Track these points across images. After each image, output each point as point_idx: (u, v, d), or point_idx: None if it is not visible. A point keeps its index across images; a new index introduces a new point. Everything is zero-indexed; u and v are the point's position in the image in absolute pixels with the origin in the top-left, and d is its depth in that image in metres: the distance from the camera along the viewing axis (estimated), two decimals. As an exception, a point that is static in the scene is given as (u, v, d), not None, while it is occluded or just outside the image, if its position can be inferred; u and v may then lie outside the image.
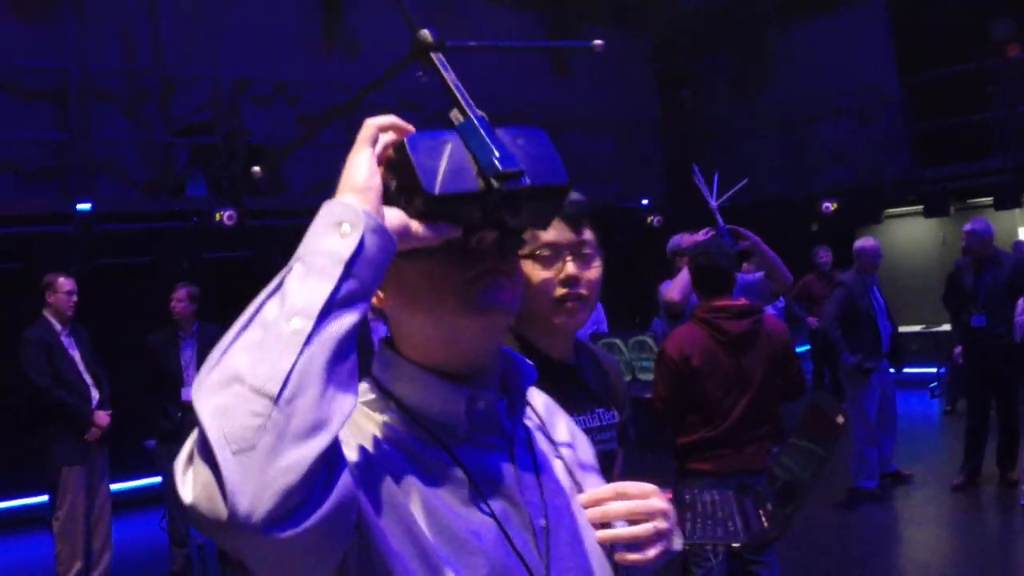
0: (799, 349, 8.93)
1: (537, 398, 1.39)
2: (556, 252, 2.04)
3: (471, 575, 1.09)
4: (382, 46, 9.31)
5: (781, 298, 8.40)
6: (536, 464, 1.24)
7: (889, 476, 7.74)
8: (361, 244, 0.98)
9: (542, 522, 1.19)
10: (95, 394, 6.45)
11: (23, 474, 7.29)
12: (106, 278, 8.44)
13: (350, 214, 1.00)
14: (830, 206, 12.09)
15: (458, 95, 1.10)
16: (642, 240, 11.45)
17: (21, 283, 6.55)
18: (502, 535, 1.14)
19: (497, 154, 1.04)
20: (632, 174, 13.41)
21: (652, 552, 1.25)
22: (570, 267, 2.04)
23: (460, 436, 1.17)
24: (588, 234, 2.08)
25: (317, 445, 0.90)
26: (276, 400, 0.89)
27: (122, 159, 9.31)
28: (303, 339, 0.92)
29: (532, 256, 2.03)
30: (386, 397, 1.20)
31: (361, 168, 1.05)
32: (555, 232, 2.03)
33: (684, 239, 6.28)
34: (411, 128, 1.11)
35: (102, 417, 6.28)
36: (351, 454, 1.07)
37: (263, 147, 9.79)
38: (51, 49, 9.04)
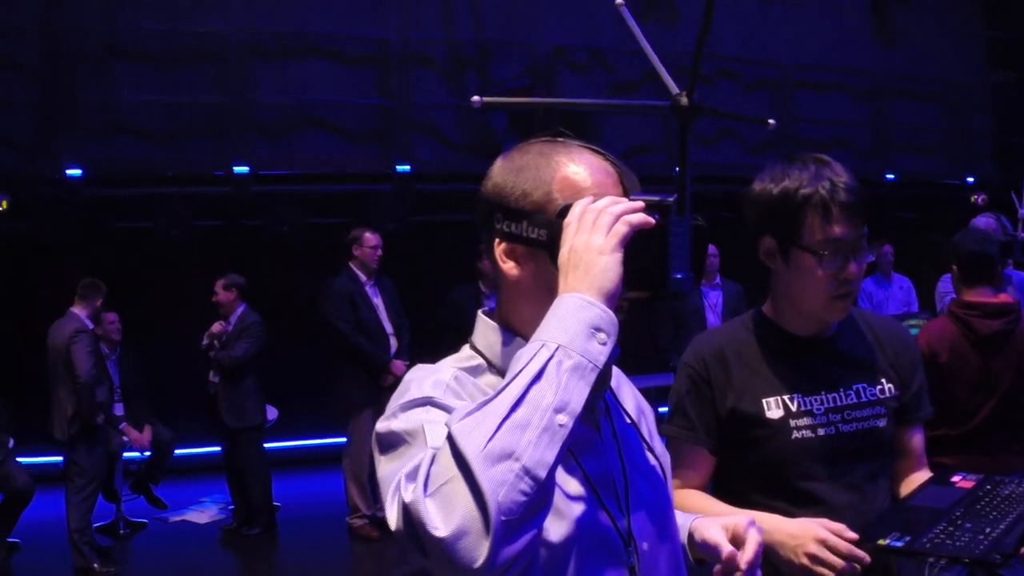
0: None
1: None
2: (838, 249, 1.99)
3: (568, 526, 1.31)
4: (699, 13, 8.92)
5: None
6: (615, 431, 1.46)
7: None
8: (610, 351, 1.20)
9: (622, 481, 1.42)
10: (394, 343, 6.79)
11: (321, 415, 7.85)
12: (421, 235, 8.86)
13: (607, 324, 1.20)
14: None
15: (685, 187, 1.31)
16: (963, 221, 10.35)
17: (343, 237, 7.00)
18: (593, 494, 1.36)
19: (679, 276, 1.29)
20: (957, 148, 12.31)
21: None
22: (852, 267, 2.00)
23: None
24: (864, 224, 2.02)
25: (543, 519, 1.17)
26: (540, 484, 1.11)
27: (440, 123, 9.73)
28: (566, 435, 1.14)
29: (812, 251, 1.99)
30: (489, 365, 1.39)
31: (612, 272, 1.21)
32: (842, 228, 1.98)
33: (980, 221, 5.55)
34: (651, 222, 1.25)
35: (398, 366, 6.57)
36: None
37: (579, 114, 9.84)
38: (373, 18, 9.51)
